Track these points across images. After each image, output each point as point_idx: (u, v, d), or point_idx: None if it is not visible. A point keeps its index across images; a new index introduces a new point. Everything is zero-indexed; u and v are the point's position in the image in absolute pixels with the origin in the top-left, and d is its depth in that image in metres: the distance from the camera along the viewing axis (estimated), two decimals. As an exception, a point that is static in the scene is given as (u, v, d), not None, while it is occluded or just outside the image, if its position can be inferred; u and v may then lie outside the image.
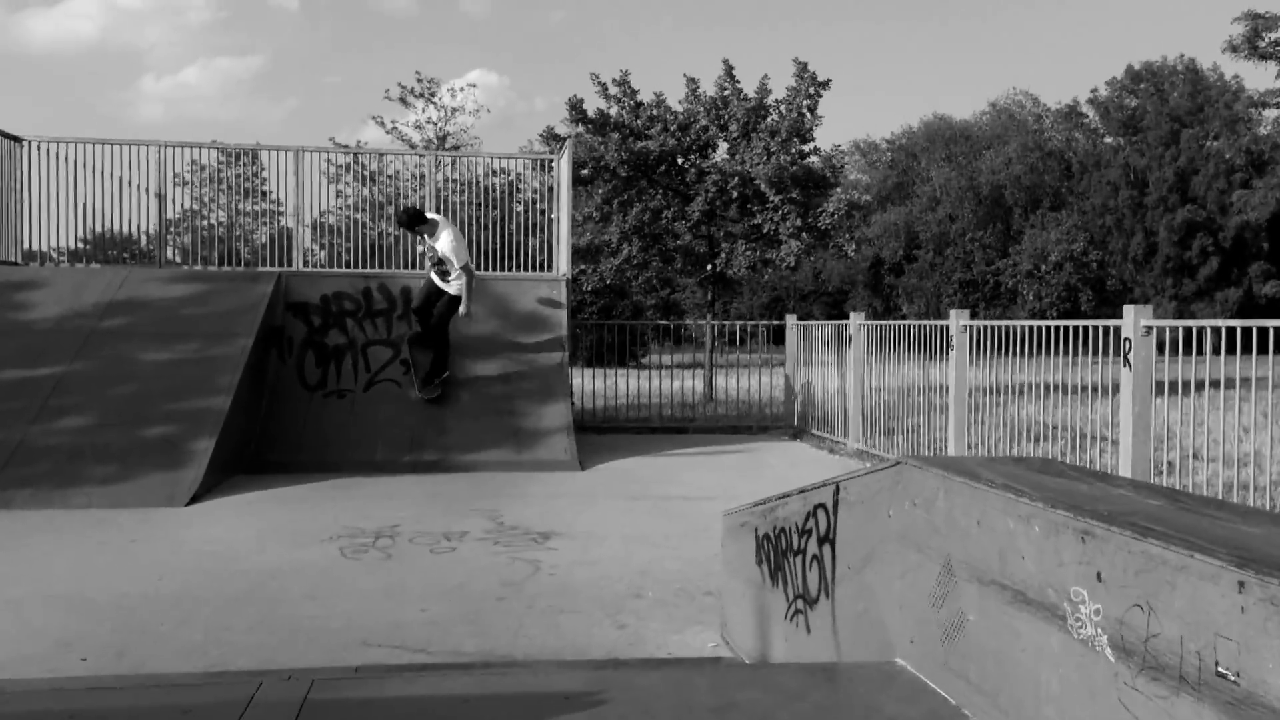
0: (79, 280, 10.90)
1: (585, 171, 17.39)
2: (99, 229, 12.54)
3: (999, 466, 2.77)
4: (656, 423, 13.82)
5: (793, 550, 3.83)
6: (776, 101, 18.24)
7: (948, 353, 9.39)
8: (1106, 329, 7.22)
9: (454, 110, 36.25)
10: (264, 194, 16.37)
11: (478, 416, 10.58)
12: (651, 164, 17.92)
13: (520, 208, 15.69)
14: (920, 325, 10.10)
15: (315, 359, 10.87)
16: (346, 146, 24.92)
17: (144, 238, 13.10)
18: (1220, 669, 1.66)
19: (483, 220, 13.84)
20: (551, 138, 18.71)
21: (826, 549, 3.50)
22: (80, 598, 5.38)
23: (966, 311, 9.55)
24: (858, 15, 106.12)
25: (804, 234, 17.32)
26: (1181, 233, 46.39)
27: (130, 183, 12.05)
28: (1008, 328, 8.59)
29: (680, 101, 18.63)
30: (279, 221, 14.48)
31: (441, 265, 10.47)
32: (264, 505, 8.04)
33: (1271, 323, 5.66)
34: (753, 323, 19.36)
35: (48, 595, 5.43)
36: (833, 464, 10.40)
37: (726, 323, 18.97)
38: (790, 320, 14.16)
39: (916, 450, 9.97)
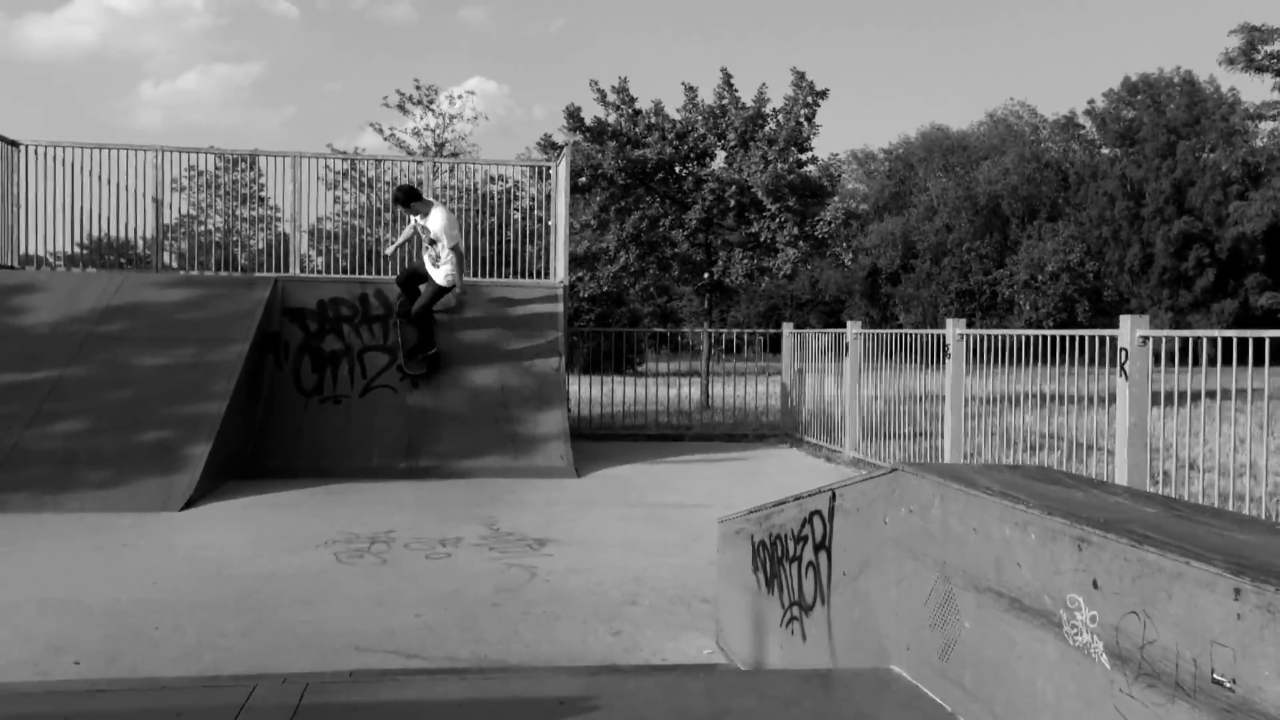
0: (75, 285, 10.88)
1: (583, 179, 17.40)
2: (95, 234, 12.52)
3: (995, 474, 2.77)
4: (653, 430, 13.81)
5: (789, 557, 3.82)
6: (774, 110, 18.28)
7: (944, 362, 9.39)
8: (1103, 339, 7.22)
9: (452, 118, 36.24)
10: (261, 200, 16.36)
11: (474, 423, 10.56)
12: (649, 172, 17.94)
13: (518, 215, 15.71)
14: (917, 334, 10.10)
15: (311, 364, 10.85)
16: (344, 153, 24.89)
17: (140, 243, 13.08)
18: (1216, 676, 1.66)
19: (480, 227, 13.84)
20: (550, 146, 18.73)
21: (822, 556, 3.50)
22: (73, 602, 5.36)
23: (963, 320, 9.55)
24: (856, 26, 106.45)
25: (801, 242, 17.34)
26: (1178, 244, 46.48)
27: (128, 188, 12.03)
28: (1004, 337, 8.59)
29: (678, 110, 18.67)
30: (276, 227, 14.47)
31: (434, 247, 10.54)
32: (258, 510, 8.02)
33: (1268, 333, 5.67)
34: (749, 330, 19.37)
35: (40, 599, 5.41)
36: (829, 472, 10.39)
37: (724, 330, 18.98)
38: (787, 328, 14.16)
39: (912, 459, 9.97)
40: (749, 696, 2.65)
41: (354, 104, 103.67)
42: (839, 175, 19.16)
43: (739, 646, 4.46)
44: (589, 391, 14.20)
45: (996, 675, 2.34)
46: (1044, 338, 8.01)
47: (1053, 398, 8.12)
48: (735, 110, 18.10)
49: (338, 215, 17.71)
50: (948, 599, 2.58)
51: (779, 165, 17.10)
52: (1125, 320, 6.70)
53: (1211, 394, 6.39)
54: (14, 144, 11.64)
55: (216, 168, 14.59)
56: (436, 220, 10.45)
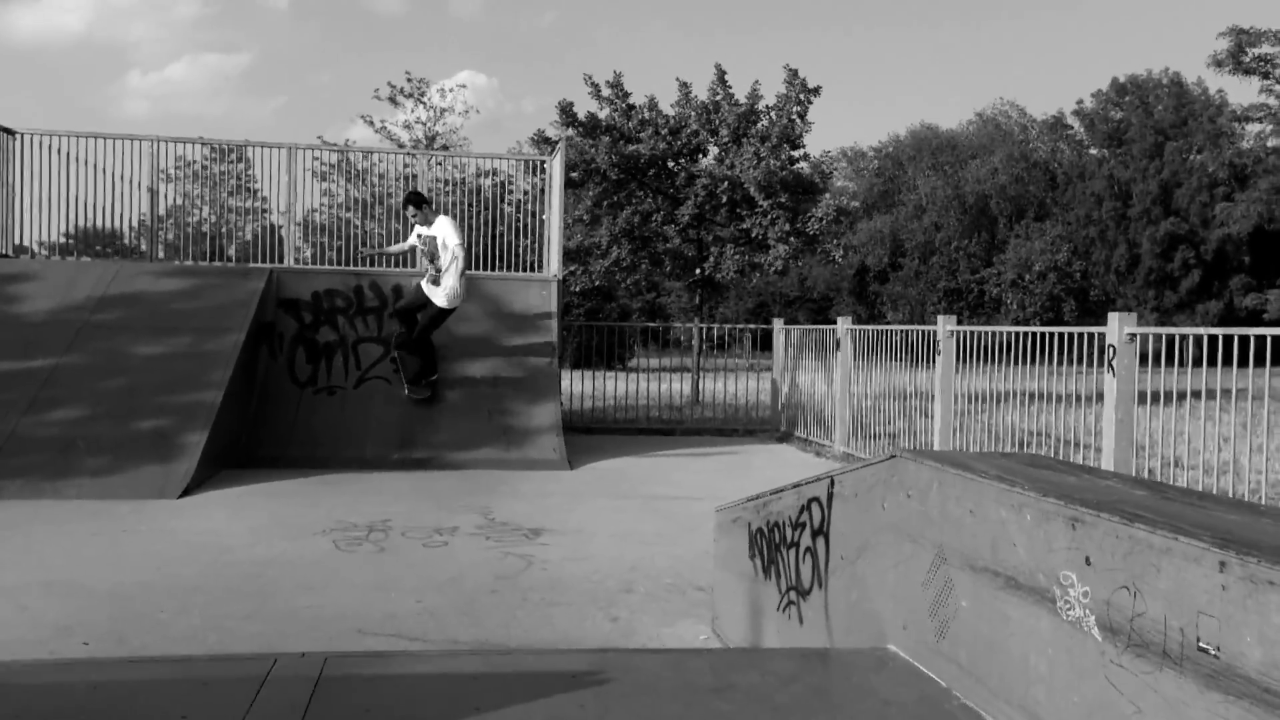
0: (70, 274, 10.91)
1: (575, 174, 17.48)
2: (85, 223, 12.51)
3: (990, 459, 2.87)
4: (644, 424, 13.91)
5: (786, 544, 3.92)
6: (767, 107, 18.38)
7: (934, 358, 9.51)
8: (1091, 335, 7.34)
9: (443, 111, 36.30)
10: (252, 191, 16.39)
11: (468, 415, 10.64)
12: (642, 167, 18.03)
13: (510, 208, 15.76)
14: (908, 330, 10.21)
15: (306, 355, 10.91)
16: (338, 145, 24.89)
17: (129, 233, 13.09)
18: (1202, 644, 1.76)
19: (472, 221, 13.91)
20: (542, 141, 18.80)
21: (820, 541, 3.59)
22: (77, 585, 5.42)
23: (953, 317, 9.67)
24: (847, 24, 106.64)
25: (792, 239, 17.46)
26: (1164, 245, 46.78)
27: (123, 177, 12.05)
28: (994, 334, 8.72)
29: (672, 105, 18.77)
30: (265, 219, 14.51)
31: (434, 263, 10.43)
32: (256, 499, 8.09)
33: (1253, 330, 5.79)
34: (741, 326, 19.48)
35: (45, 582, 5.47)
36: (819, 466, 10.50)
37: (715, 325, 19.08)
38: (778, 324, 14.27)
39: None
40: (751, 672, 2.75)
41: (344, 96, 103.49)
42: (831, 172, 19.28)
43: (735, 632, 4.56)
44: (579, 386, 14.29)
45: (991, 651, 2.44)
46: (1034, 335, 8.13)
47: (1041, 396, 8.25)
48: (729, 106, 18.20)
49: (329, 208, 17.74)
50: (945, 580, 2.68)
51: (772, 161, 17.21)
52: (1113, 318, 6.82)
53: (1196, 394, 6.53)
54: (11, 132, 11.65)
55: (207, 158, 14.58)
56: (443, 225, 10.24)
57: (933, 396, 9.57)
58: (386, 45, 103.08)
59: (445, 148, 34.33)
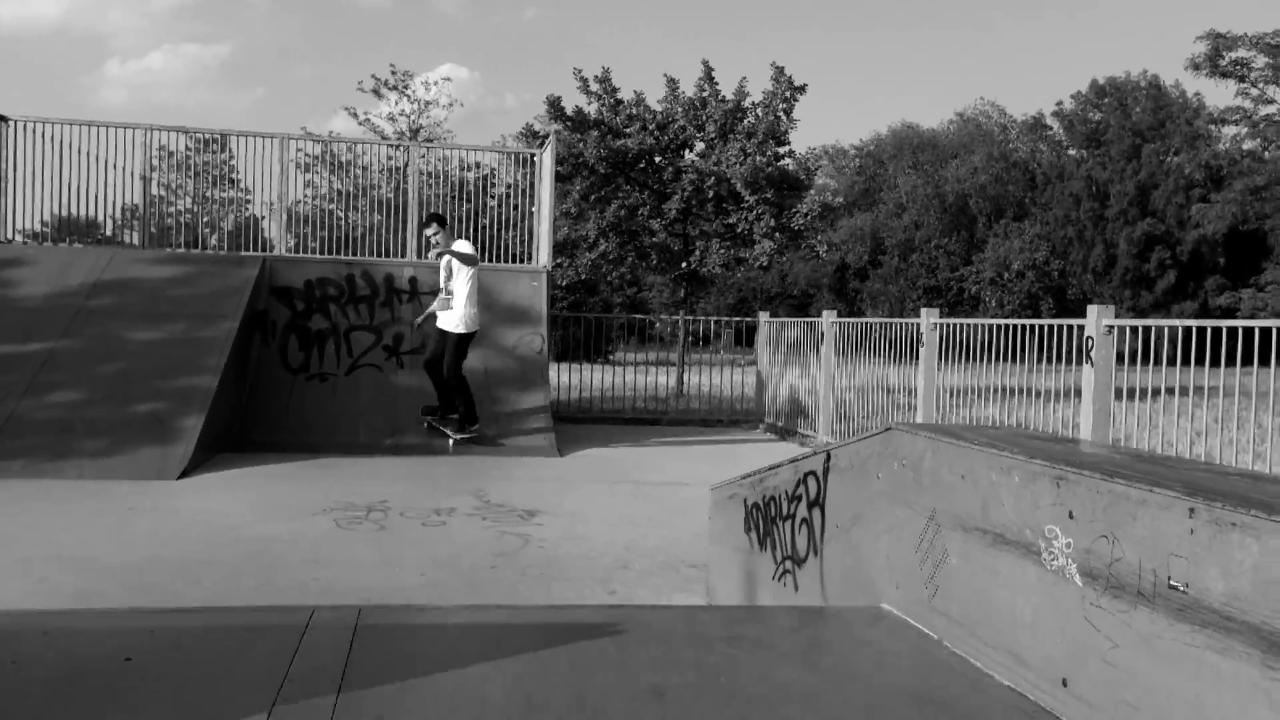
0: (64, 260, 11.00)
1: (563, 168, 17.65)
2: (75, 211, 12.52)
3: (980, 431, 3.08)
4: (629, 415, 14.10)
5: (782, 516, 4.12)
6: (753, 104, 18.60)
7: (918, 350, 9.75)
8: (1071, 328, 7.59)
9: (427, 103, 36.37)
10: (233, 181, 16.39)
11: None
12: (630, 161, 18.21)
13: (494, 202, 15.90)
14: (892, 323, 10.45)
15: (298, 342, 11.05)
16: (332, 137, 24.92)
17: (110, 222, 13.10)
18: (1172, 582, 1.97)
19: (458, 214, 14.05)
20: (531, 135, 18.97)
21: (816, 512, 3.80)
22: (89, 559, 5.58)
23: (936, 310, 9.91)
24: (830, 25, 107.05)
25: (777, 234, 17.69)
26: (1140, 245, 47.35)
27: (116, 165, 12.13)
28: (975, 326, 8.96)
29: (659, 101, 18.96)
30: (247, 209, 14.58)
31: (448, 284, 10.20)
32: (254, 480, 8.24)
33: (1225, 323, 6.04)
34: (726, 318, 19.70)
35: (56, 556, 5.62)
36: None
37: (701, 318, 19.30)
38: (763, 317, 14.50)
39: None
40: (755, 625, 2.95)
41: (324, 88, 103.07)
42: (816, 169, 19.54)
43: (731, 602, 4.75)
44: (564, 378, 14.47)
45: (980, 603, 2.65)
46: (1015, 327, 8.38)
47: (1020, 391, 8.50)
48: (715, 103, 18.41)
49: (312, 198, 17.79)
50: (936, 540, 2.89)
51: (758, 158, 17.44)
52: (1092, 310, 7.07)
53: (1170, 390, 6.80)
54: (4, 119, 11.71)
55: (188, 148, 14.59)
56: (462, 243, 10.12)
57: (915, 390, 9.81)
58: (367, 38, 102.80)
59: (430, 140, 34.40)
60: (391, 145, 19.89)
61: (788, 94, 18.23)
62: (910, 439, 3.09)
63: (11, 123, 11.83)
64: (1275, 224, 43.56)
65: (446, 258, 10.13)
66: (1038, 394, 8.33)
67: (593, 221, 18.26)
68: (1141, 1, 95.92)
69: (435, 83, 37.02)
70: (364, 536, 6.41)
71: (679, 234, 18.88)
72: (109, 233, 13.27)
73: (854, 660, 2.71)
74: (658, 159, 18.58)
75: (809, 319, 12.84)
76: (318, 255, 12.95)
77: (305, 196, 17.87)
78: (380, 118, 35.37)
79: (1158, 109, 51.21)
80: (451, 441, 10.17)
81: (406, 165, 14.84)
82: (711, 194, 18.00)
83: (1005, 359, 8.47)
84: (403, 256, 12.84)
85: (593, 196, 18.25)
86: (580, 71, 18.65)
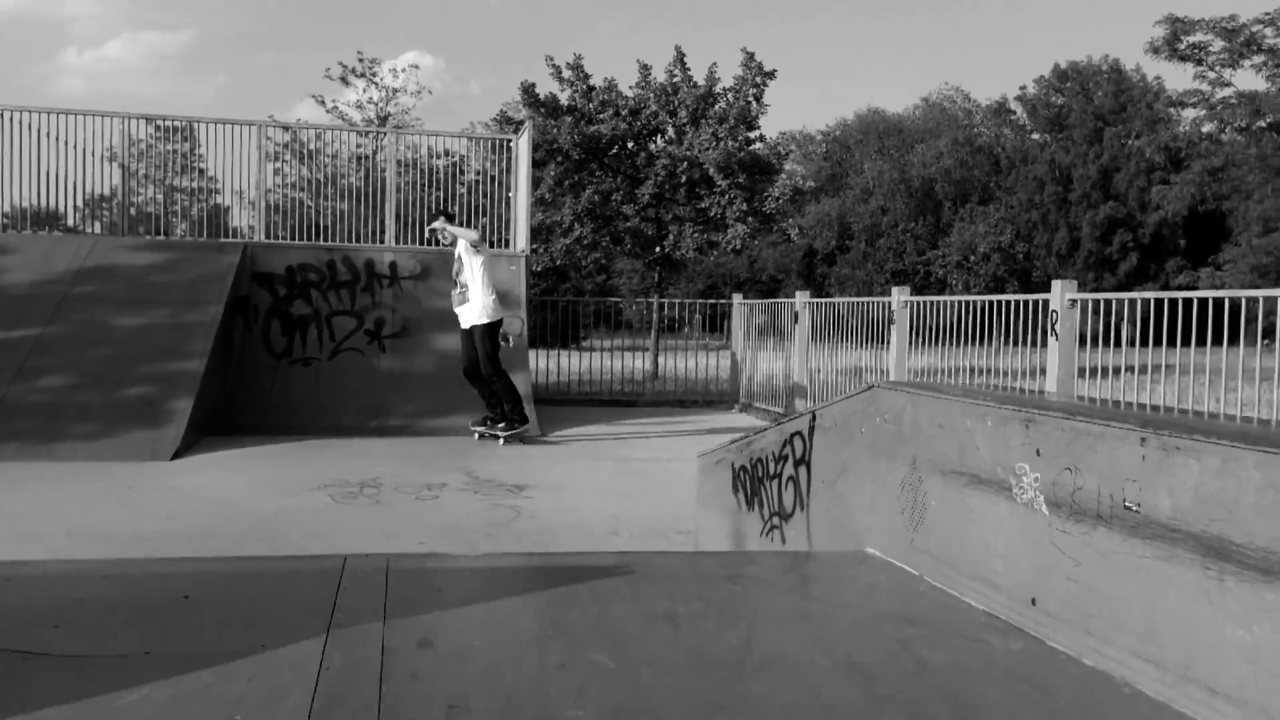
0: (47, 247, 11.10)
1: (537, 154, 17.80)
2: (50, 201, 12.49)
3: (955, 386, 3.36)
4: (606, 397, 14.35)
5: (769, 476, 4.39)
6: (724, 90, 18.85)
7: (889, 328, 10.05)
8: (1037, 303, 7.90)
9: (395, 91, 36.30)
10: (200, 170, 16.38)
11: (441, 385, 10.99)
12: (603, 147, 18.42)
13: (464, 189, 16.04)
14: (865, 302, 10.75)
15: (281, 328, 11.21)
16: (298, 124, 24.88)
17: (73, 213, 13.08)
18: (1127, 504, 2.25)
19: (428, 200, 14.18)
20: (505, 121, 19.12)
21: (802, 470, 4.07)
22: (98, 532, 5.76)
23: (907, 288, 10.21)
24: (794, 9, 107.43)
25: (749, 218, 17.97)
26: (1103, 228, 48.08)
27: (95, 153, 12.20)
28: (945, 304, 9.28)
29: (631, 87, 19.16)
30: (214, 199, 14.63)
31: (459, 278, 10.09)
32: (246, 461, 8.43)
33: (1181, 294, 6.37)
34: (699, 301, 19.97)
35: (65, 530, 5.81)
36: (779, 432, 11.00)
37: (675, 301, 19.56)
38: (737, 299, 14.78)
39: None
40: (752, 566, 3.22)
41: (287, 75, 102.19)
42: (786, 154, 19.83)
43: (719, 562, 5.02)
44: (540, 363, 14.69)
45: (957, 539, 2.93)
46: (984, 304, 8.70)
47: (988, 370, 8.84)
48: (687, 88, 18.64)
49: (280, 186, 17.82)
50: (917, 486, 3.16)
51: (729, 143, 17.69)
52: (1056, 284, 7.41)
53: (1131, 369, 7.15)
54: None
55: (153, 137, 14.57)
56: (471, 234, 9.99)
57: (886, 372, 10.10)
58: (331, 23, 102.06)
59: (399, 128, 34.37)
60: (365, 133, 19.98)
61: (758, 80, 18.50)
62: (892, 395, 3.36)
63: (-11, 111, 11.87)
64: (1233, 205, 44.38)
65: (456, 250, 9.99)
66: (1005, 374, 8.66)
67: (567, 207, 18.46)
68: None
69: (403, 70, 36.99)
70: (360, 510, 6.63)
71: (652, 219, 19.11)
72: (71, 223, 13.21)
73: (843, 592, 2.98)
74: (630, 145, 18.79)
75: (783, 299, 13.12)
76: (298, 241, 13.06)
77: (275, 185, 17.91)
78: (349, 105, 35.28)
79: (1119, 93, 51.92)
80: (501, 441, 9.88)
81: (377, 152, 14.98)
82: (684, 179, 18.25)
83: (973, 340, 8.79)
84: (381, 242, 13.00)
85: (566, 182, 18.45)
86: (551, 59, 18.84)
